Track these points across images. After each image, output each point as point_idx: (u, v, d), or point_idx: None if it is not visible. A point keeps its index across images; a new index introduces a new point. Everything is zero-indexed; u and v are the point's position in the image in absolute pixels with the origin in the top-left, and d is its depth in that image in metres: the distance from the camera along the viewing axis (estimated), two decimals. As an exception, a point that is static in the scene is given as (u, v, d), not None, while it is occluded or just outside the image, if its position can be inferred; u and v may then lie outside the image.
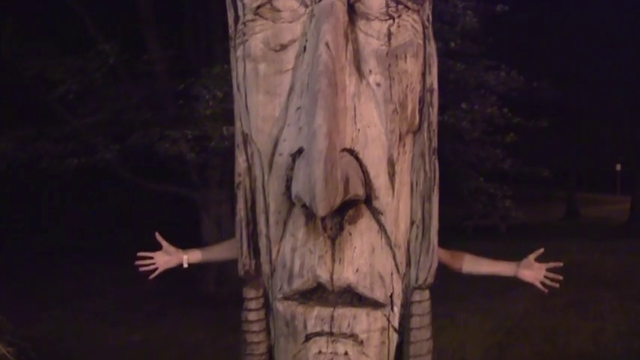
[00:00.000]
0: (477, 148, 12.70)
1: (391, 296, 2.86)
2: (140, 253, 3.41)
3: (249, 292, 3.05)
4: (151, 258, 3.41)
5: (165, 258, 3.43)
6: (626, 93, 23.46)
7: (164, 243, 3.44)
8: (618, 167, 40.74)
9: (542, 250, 3.40)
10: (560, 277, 3.35)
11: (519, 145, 13.07)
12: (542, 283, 3.39)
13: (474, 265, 3.36)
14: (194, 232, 13.72)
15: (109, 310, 11.94)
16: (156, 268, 3.43)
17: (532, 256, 3.38)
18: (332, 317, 2.77)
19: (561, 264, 3.41)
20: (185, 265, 3.46)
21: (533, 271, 3.37)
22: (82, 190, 25.27)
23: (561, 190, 35.44)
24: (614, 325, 9.87)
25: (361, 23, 2.80)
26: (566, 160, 27.10)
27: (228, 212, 13.39)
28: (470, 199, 13.09)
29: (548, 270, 3.39)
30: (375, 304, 2.82)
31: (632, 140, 25.09)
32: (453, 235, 9.10)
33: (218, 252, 3.51)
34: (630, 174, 31.88)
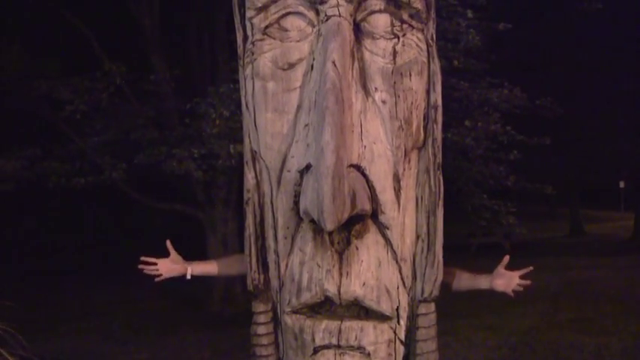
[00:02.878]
0: (481, 166, 12.74)
1: (397, 309, 2.90)
2: (144, 258, 3.33)
3: (258, 306, 3.09)
4: (155, 264, 3.34)
5: (171, 266, 3.36)
6: (629, 110, 23.47)
7: (173, 252, 3.38)
8: (622, 184, 40.60)
9: (507, 258, 3.33)
10: (529, 282, 3.31)
11: (523, 162, 13.09)
12: (514, 290, 3.34)
13: (458, 280, 3.34)
14: (200, 251, 13.76)
15: (116, 329, 11.94)
16: (159, 274, 3.35)
17: (500, 266, 3.33)
18: (340, 330, 2.82)
19: (531, 268, 3.36)
20: (188, 277, 3.41)
21: (505, 280, 3.32)
22: (90, 209, 25.32)
23: (565, 208, 35.35)
24: (618, 341, 9.85)
25: (367, 42, 2.86)
26: (569, 177, 27.08)
27: (234, 231, 13.43)
28: (474, 216, 13.10)
29: (520, 277, 3.33)
30: (382, 317, 2.87)
31: (635, 157, 25.04)
32: (457, 253, 9.13)
33: (223, 267, 3.46)
34: (634, 191, 31.82)
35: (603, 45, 22.09)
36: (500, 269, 3.32)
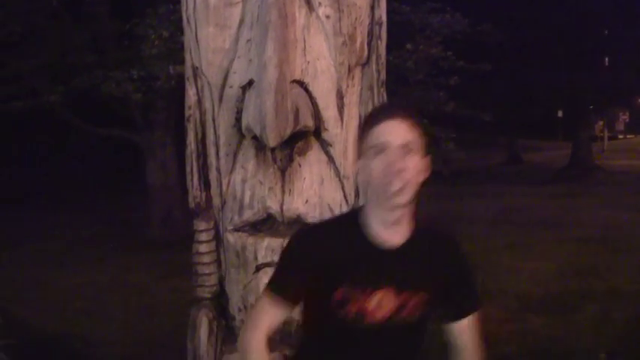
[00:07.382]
0: (421, 90, 12.73)
1: (339, 226, 2.89)
2: None
3: (200, 225, 3.06)
4: None
5: None
6: (569, 39, 23.65)
7: None
8: (560, 114, 40.95)
9: None
10: None
11: (463, 89, 13.14)
12: None
13: None
14: (139, 177, 13.64)
15: (54, 254, 11.78)
16: None
17: None
18: (282, 248, 2.80)
19: None
20: None
21: None
22: (27, 135, 24.86)
23: (503, 137, 35.61)
24: (553, 265, 10.02)
25: (311, -44, 2.79)
26: (508, 105, 27.29)
27: (173, 155, 13.30)
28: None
29: None
30: (325, 234, 2.85)
31: (573, 87, 25.26)
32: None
33: None
34: (571, 120, 32.16)
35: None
36: None
